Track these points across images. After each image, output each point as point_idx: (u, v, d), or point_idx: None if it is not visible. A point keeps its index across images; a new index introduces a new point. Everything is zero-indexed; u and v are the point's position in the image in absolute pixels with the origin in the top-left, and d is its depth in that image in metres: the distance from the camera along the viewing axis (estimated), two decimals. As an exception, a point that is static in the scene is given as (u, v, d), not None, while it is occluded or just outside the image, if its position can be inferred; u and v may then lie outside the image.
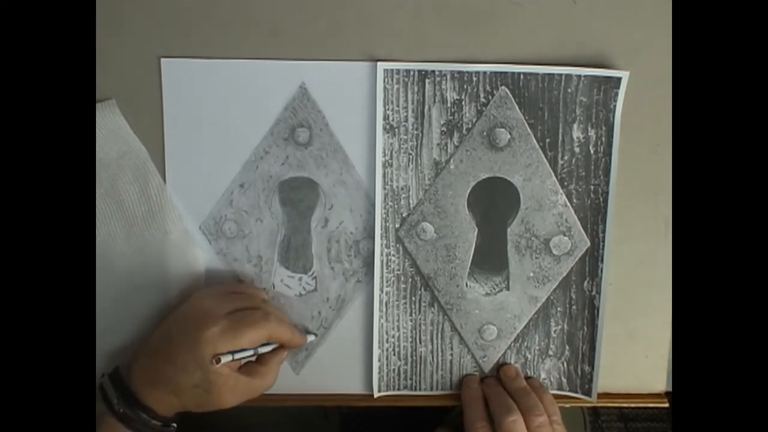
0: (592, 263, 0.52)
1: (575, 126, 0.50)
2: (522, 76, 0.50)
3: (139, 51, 0.49)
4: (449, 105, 0.50)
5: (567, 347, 0.54)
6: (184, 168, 0.51)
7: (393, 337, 0.54)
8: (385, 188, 0.51)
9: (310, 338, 0.53)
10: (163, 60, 0.49)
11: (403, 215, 0.52)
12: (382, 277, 0.52)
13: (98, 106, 0.49)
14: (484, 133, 0.50)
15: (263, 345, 0.48)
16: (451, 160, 0.51)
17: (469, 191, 0.51)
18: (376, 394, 0.54)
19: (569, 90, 0.50)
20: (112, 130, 0.50)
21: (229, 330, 0.45)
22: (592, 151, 0.51)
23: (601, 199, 0.51)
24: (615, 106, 0.50)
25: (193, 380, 0.45)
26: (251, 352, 0.47)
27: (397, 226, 0.52)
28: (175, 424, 0.48)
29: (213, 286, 0.52)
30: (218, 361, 0.44)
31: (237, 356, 0.46)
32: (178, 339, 0.46)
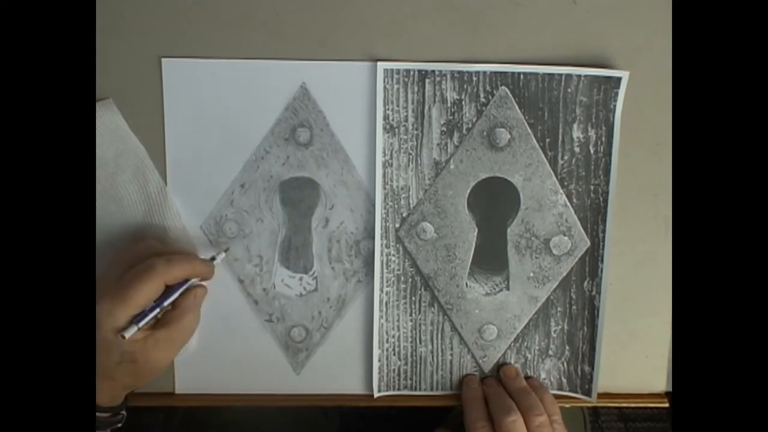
0: (592, 263, 0.52)
1: (575, 126, 0.50)
2: (522, 76, 0.50)
3: (140, 51, 0.49)
4: (449, 105, 0.50)
5: (567, 347, 0.54)
6: (185, 168, 0.51)
7: (393, 337, 0.54)
8: (385, 188, 0.51)
9: (221, 257, 0.50)
10: (163, 60, 0.49)
11: (403, 215, 0.52)
12: (382, 277, 0.52)
13: (96, 105, 0.49)
14: (484, 133, 0.51)
15: (170, 292, 0.46)
16: (451, 160, 0.51)
17: (469, 191, 0.51)
18: (376, 394, 0.54)
19: (569, 90, 0.50)
20: (111, 129, 0.50)
21: (118, 296, 0.43)
22: (592, 151, 0.51)
23: (601, 199, 0.51)
24: (615, 106, 0.50)
25: (113, 358, 0.43)
26: (154, 312, 0.44)
27: (397, 226, 0.52)
28: (124, 412, 0.47)
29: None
30: (124, 337, 0.42)
31: (142, 323, 0.43)
32: None
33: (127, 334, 0.42)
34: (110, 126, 0.50)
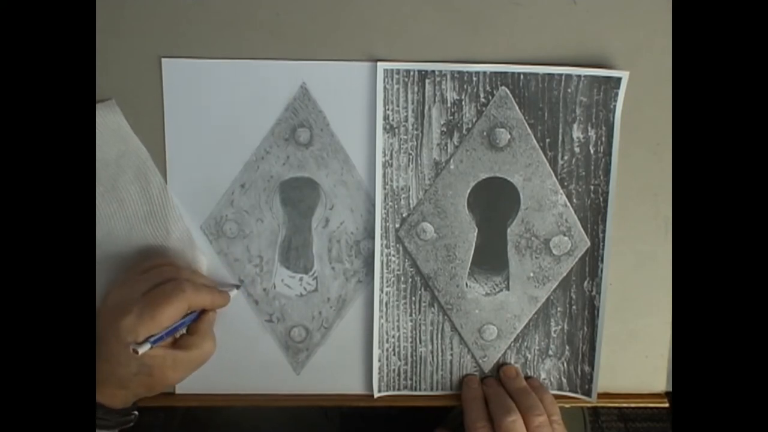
0: (592, 263, 0.53)
1: (575, 126, 0.50)
2: (522, 76, 0.50)
3: (140, 51, 0.49)
4: (449, 105, 0.50)
5: (567, 347, 0.54)
6: (185, 168, 0.51)
7: (393, 337, 0.54)
8: (385, 188, 0.51)
9: (233, 293, 0.52)
10: (163, 60, 0.49)
11: (403, 215, 0.52)
12: (382, 277, 0.52)
13: (98, 106, 0.49)
14: (484, 133, 0.51)
15: (187, 315, 0.47)
16: (451, 160, 0.51)
17: (469, 191, 0.51)
18: (376, 394, 0.54)
19: (569, 90, 0.50)
20: (113, 130, 0.50)
21: (145, 312, 0.44)
22: (592, 151, 0.51)
23: (601, 199, 0.52)
24: (615, 106, 0.50)
25: (131, 370, 0.44)
26: (170, 333, 0.45)
27: (397, 226, 0.52)
28: (137, 412, 0.48)
29: (126, 270, 0.50)
30: (136, 351, 0.43)
31: (156, 342, 0.44)
32: (103, 335, 0.44)
33: (140, 351, 0.43)
34: (112, 127, 0.50)
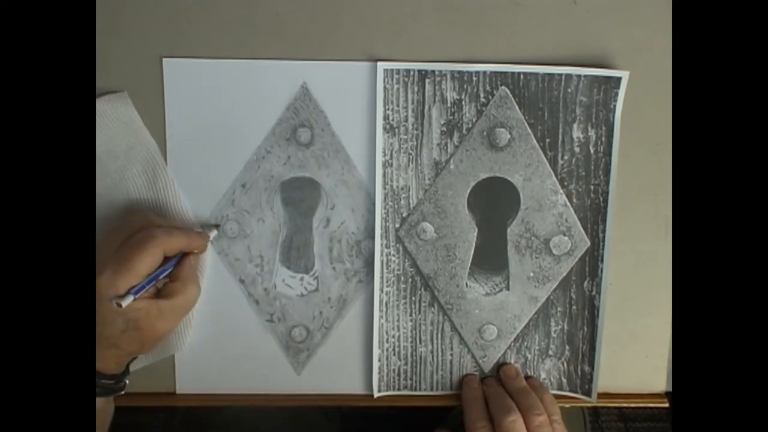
0: (592, 263, 0.53)
1: (575, 126, 0.50)
2: (522, 76, 0.50)
3: (141, 51, 0.49)
4: (449, 105, 0.50)
5: (567, 347, 0.54)
6: (186, 168, 0.51)
7: (393, 337, 0.54)
8: (385, 188, 0.51)
9: (213, 233, 0.51)
10: (164, 60, 0.49)
11: (403, 215, 0.52)
12: (382, 277, 0.52)
13: (110, 97, 0.49)
14: (484, 133, 0.51)
15: (166, 263, 0.46)
16: (451, 160, 0.51)
17: (469, 191, 0.51)
18: (376, 394, 0.55)
19: (569, 90, 0.50)
20: (125, 123, 0.50)
21: (121, 266, 0.43)
22: (592, 151, 0.51)
23: (601, 199, 0.52)
24: (615, 106, 0.50)
25: (118, 327, 0.44)
26: (151, 282, 0.45)
27: (397, 226, 0.52)
28: (127, 380, 0.48)
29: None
30: (120, 305, 0.42)
31: (138, 293, 0.43)
32: None
33: (124, 303, 0.42)
34: (124, 120, 0.50)
